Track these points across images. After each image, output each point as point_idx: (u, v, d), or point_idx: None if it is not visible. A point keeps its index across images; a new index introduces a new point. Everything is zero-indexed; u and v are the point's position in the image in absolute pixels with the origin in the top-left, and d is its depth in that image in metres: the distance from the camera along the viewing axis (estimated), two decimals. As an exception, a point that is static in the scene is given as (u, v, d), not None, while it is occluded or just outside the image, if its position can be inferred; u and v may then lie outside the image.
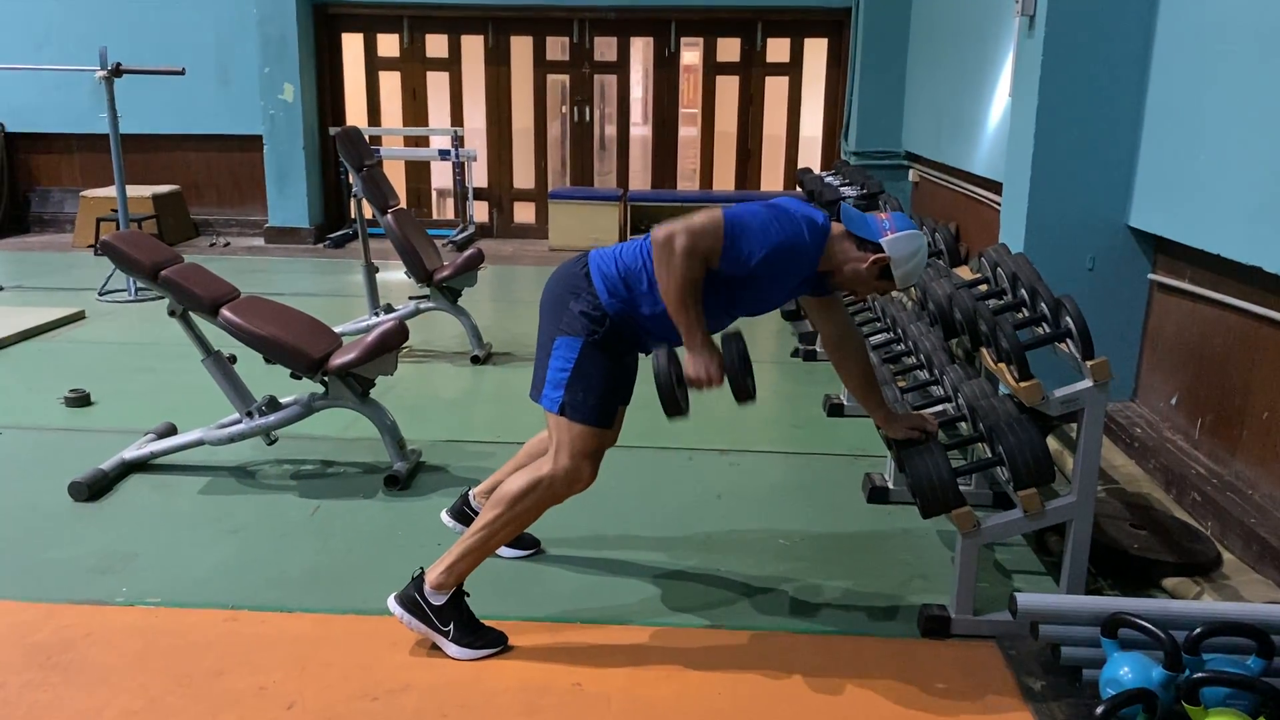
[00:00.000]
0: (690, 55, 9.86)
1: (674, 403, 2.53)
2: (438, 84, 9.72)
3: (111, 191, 8.02)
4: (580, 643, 2.75)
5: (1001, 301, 3.27)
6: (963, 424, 3.15)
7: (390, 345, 3.82)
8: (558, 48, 9.65)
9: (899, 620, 2.90)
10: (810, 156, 9.69)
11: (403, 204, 5.82)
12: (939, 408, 3.30)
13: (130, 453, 3.86)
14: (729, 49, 9.57)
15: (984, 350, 3.10)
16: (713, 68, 9.63)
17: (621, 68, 9.68)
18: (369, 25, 9.59)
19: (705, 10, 9.29)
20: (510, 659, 2.67)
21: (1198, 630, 2.35)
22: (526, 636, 2.75)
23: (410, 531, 3.42)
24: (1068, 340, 2.85)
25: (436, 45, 9.63)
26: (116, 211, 7.08)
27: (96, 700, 2.46)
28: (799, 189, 7.11)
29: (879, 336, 4.09)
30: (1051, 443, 3.62)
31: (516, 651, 2.70)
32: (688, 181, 10.00)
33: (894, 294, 4.06)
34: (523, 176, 9.92)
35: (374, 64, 9.72)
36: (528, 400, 2.76)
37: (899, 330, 3.92)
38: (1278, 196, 3.12)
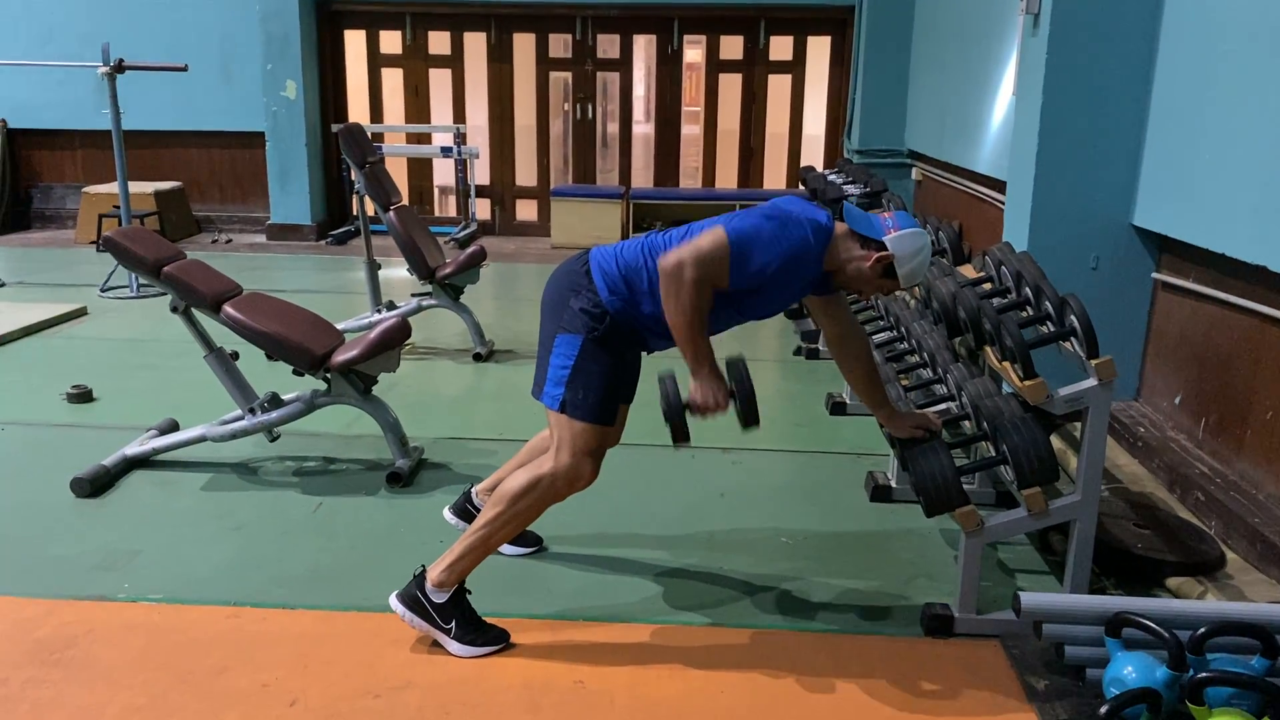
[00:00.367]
0: (693, 53, 9.85)
1: (682, 430, 2.59)
2: (440, 81, 9.71)
3: (113, 188, 8.02)
4: (583, 640, 2.75)
5: (1005, 300, 3.26)
6: (966, 423, 3.14)
7: (393, 342, 3.81)
8: (560, 45, 9.64)
9: (902, 619, 2.90)
10: (813, 154, 9.68)
11: (405, 201, 5.82)
12: (942, 406, 3.29)
13: (132, 449, 3.86)
14: (732, 47, 9.55)
15: (988, 349, 3.10)
16: (715, 65, 9.62)
17: (624, 65, 9.67)
18: (371, 22, 9.58)
19: (708, 8, 9.28)
20: (512, 656, 2.67)
21: (1202, 630, 2.35)
22: (529, 634, 2.75)
23: (412, 529, 3.41)
24: (1072, 339, 2.84)
25: (439, 42, 9.63)
26: (118, 208, 7.08)
27: (98, 697, 2.46)
28: (802, 187, 7.09)
29: (882, 335, 4.09)
30: (1055, 442, 3.62)
31: (519, 649, 2.70)
32: (690, 179, 9.99)
33: (897, 292, 4.06)
34: (525, 174, 9.92)
35: (376, 61, 9.71)
36: (530, 398, 2.76)
37: (902, 329, 3.91)
38: (1283, 195, 3.12)
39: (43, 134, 9.70)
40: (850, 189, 6.06)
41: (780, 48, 9.52)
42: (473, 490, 3.31)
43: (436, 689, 2.52)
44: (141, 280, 6.68)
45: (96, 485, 3.63)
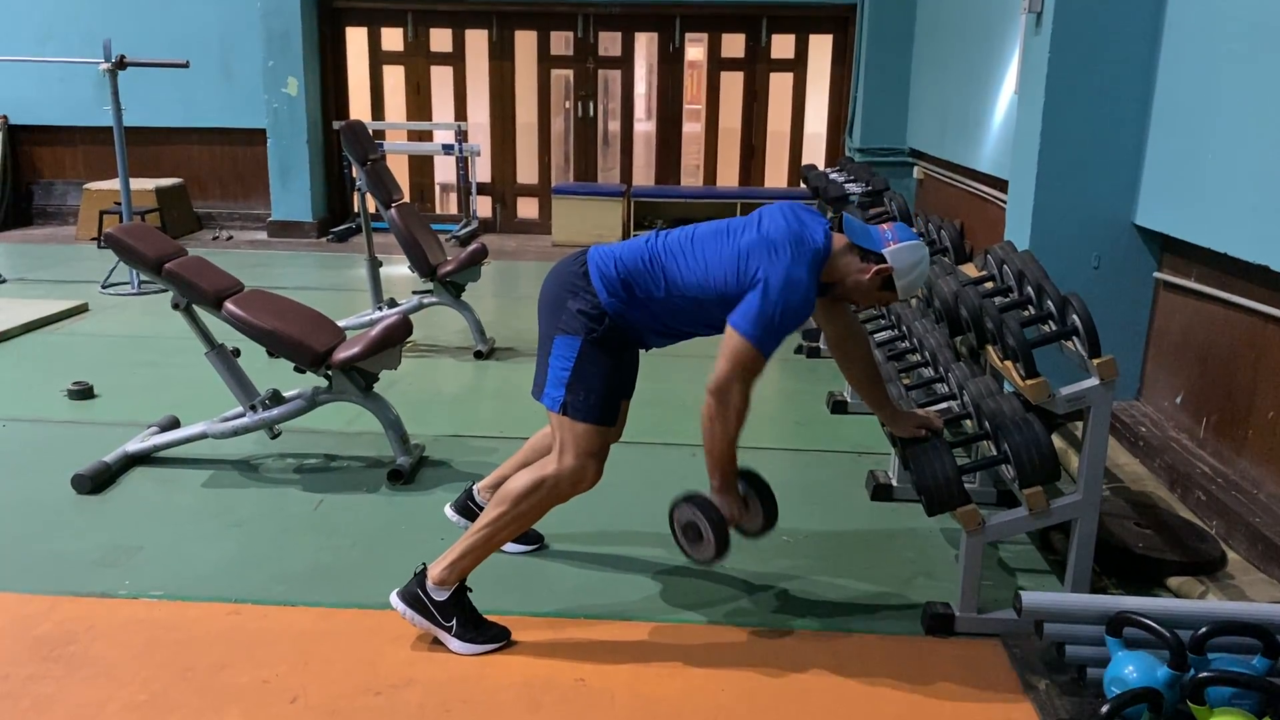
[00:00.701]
0: (695, 51, 9.84)
1: (726, 547, 2.68)
2: (442, 78, 9.71)
3: (115, 184, 8.02)
4: (583, 638, 2.75)
5: (1007, 299, 3.26)
6: (967, 422, 3.14)
7: (394, 340, 3.81)
8: (562, 42, 9.64)
9: (903, 618, 2.90)
10: (815, 153, 9.67)
11: (406, 198, 5.82)
12: (944, 405, 3.29)
13: (133, 446, 3.86)
14: (734, 45, 9.55)
15: (989, 348, 3.09)
16: (717, 63, 9.61)
17: (626, 63, 9.66)
18: (373, 19, 9.57)
19: (710, 6, 9.28)
20: (513, 654, 2.67)
21: (1203, 629, 2.35)
22: (530, 632, 2.75)
23: (413, 526, 3.41)
24: (1074, 338, 2.84)
25: (440, 40, 9.63)
26: (120, 204, 7.09)
27: (100, 693, 2.46)
28: (803, 185, 7.09)
29: (883, 334, 4.09)
30: (1056, 441, 3.62)
31: (519, 647, 2.70)
32: (691, 178, 9.99)
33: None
34: (526, 172, 9.91)
35: (378, 58, 9.71)
36: (531, 395, 2.76)
37: (904, 328, 3.91)
38: (1285, 195, 3.12)
39: (44, 130, 9.70)
40: (852, 188, 6.06)
41: (782, 46, 9.51)
42: (474, 488, 3.31)
43: (437, 686, 2.52)
44: (143, 277, 6.69)
45: (98, 482, 3.63)
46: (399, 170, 8.80)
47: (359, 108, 9.76)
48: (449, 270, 5.49)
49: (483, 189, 9.81)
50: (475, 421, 4.52)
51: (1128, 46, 3.98)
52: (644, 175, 9.98)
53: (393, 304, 5.77)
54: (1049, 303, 2.98)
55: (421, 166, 10.03)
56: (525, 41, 9.58)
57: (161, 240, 3.88)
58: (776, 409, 4.80)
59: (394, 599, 2.71)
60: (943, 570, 3.18)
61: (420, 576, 2.70)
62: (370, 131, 5.99)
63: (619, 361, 2.70)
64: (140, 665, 2.57)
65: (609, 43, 9.60)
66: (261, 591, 2.96)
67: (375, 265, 5.82)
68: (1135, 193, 4.09)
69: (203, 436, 3.86)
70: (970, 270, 3.73)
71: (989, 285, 3.45)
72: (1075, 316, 2.79)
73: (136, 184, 8.46)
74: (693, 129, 9.96)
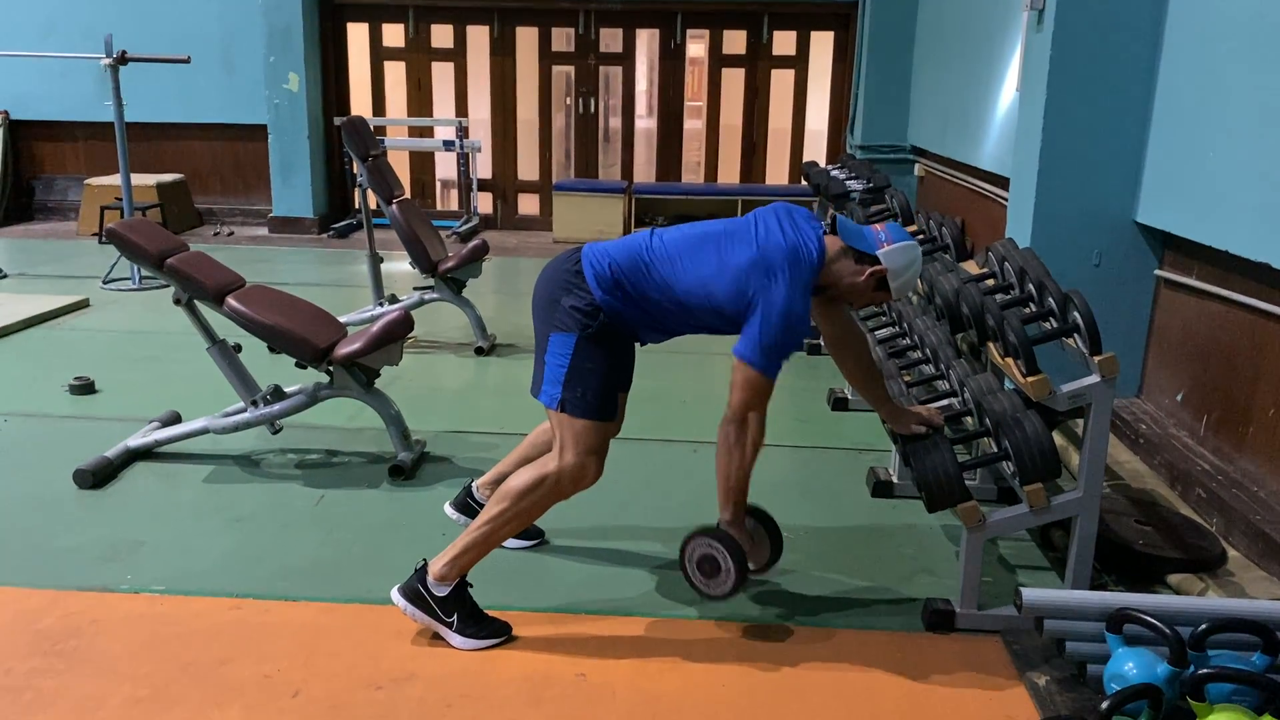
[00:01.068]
0: (696, 47, 9.84)
1: (745, 578, 2.73)
2: (443, 75, 9.71)
3: (116, 179, 8.02)
4: (584, 634, 2.76)
5: (1008, 296, 3.26)
6: (968, 419, 3.15)
7: (395, 335, 3.82)
8: (563, 39, 9.63)
9: (903, 614, 2.90)
10: (816, 150, 9.67)
11: (407, 194, 5.82)
12: (945, 402, 3.29)
13: (135, 441, 3.86)
14: (735, 41, 9.54)
15: (990, 345, 3.10)
16: (718, 60, 9.61)
17: (627, 59, 9.66)
18: (374, 15, 9.57)
19: (711, 2, 9.27)
20: (514, 649, 2.67)
21: (1203, 626, 2.35)
22: (531, 627, 2.76)
23: (414, 522, 3.42)
24: (1075, 336, 2.84)
25: (442, 36, 9.62)
26: (121, 200, 7.08)
27: (102, 687, 2.46)
28: (805, 182, 7.09)
29: (884, 331, 4.09)
30: (1056, 439, 3.62)
31: (521, 642, 2.70)
32: (692, 174, 9.99)
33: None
34: (527, 168, 9.91)
35: (379, 54, 9.70)
36: (532, 396, 2.76)
37: (905, 324, 3.91)
38: (1287, 193, 3.12)
39: (45, 126, 9.70)
40: (853, 185, 6.06)
41: (783, 43, 9.51)
42: (474, 485, 3.31)
43: (439, 681, 2.52)
44: (144, 272, 6.69)
45: (99, 477, 3.63)
46: (400, 166, 8.80)
47: (360, 104, 9.76)
48: (450, 266, 5.50)
49: (484, 185, 9.81)
50: (476, 417, 4.52)
51: (1129, 43, 3.98)
52: (645, 172, 9.98)
53: (394, 300, 5.77)
54: (1050, 300, 2.98)
55: (422, 162, 10.02)
56: (526, 37, 9.57)
57: (163, 235, 3.88)
58: (777, 406, 4.74)
59: (395, 594, 2.72)
60: (943, 567, 3.18)
61: (421, 572, 2.70)
62: (371, 127, 5.99)
63: (615, 356, 2.71)
64: (142, 660, 2.58)
65: (610, 39, 9.59)
66: (263, 586, 2.97)
67: (376, 261, 5.82)
68: (1136, 190, 4.09)
69: (204, 432, 3.86)
70: (971, 267, 3.73)
71: (990, 282, 3.45)
72: (1076, 314, 2.79)
73: (138, 179, 8.46)
74: (694, 126, 9.95)
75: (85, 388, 4.66)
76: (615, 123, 10.02)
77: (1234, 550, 3.12)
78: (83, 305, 6.31)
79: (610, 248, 2.70)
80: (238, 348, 3.88)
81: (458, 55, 9.65)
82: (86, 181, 9.18)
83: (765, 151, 9.76)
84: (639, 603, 2.93)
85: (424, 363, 5.35)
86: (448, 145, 9.27)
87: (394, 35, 9.65)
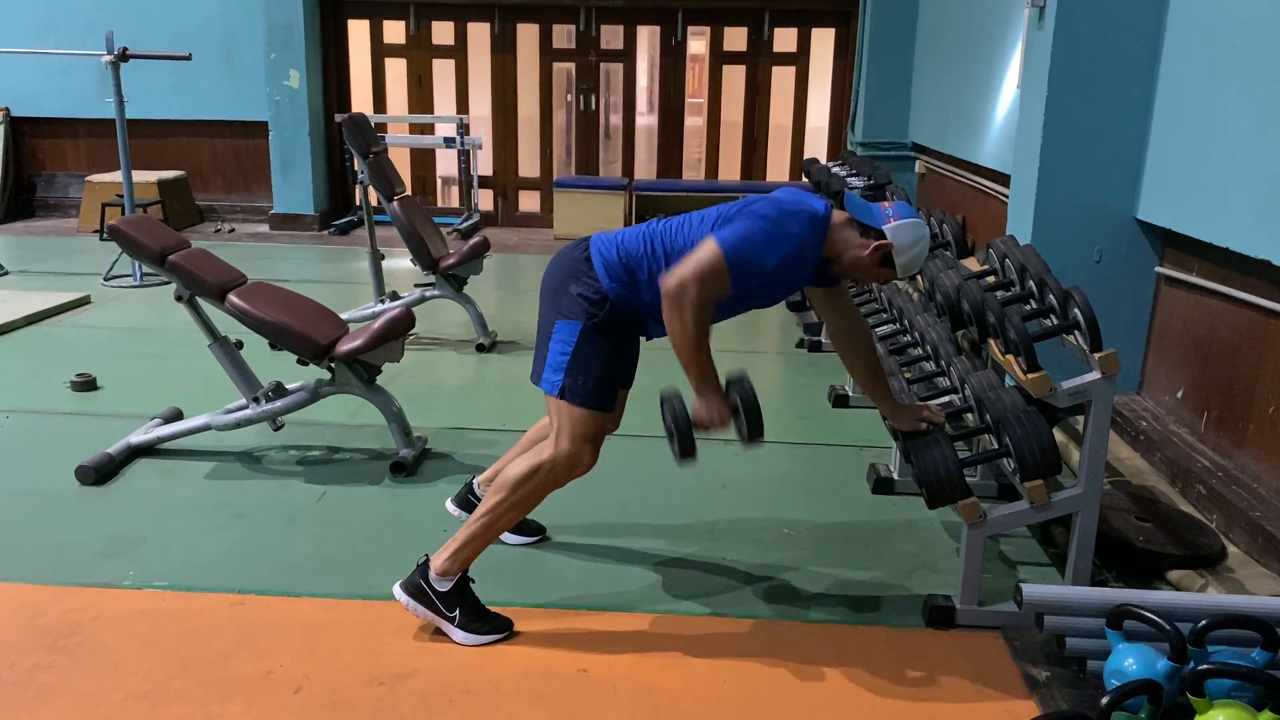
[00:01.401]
0: (697, 44, 9.83)
1: (688, 447, 2.59)
2: (443, 71, 9.71)
3: (117, 176, 8.02)
4: (585, 629, 2.76)
5: (1009, 293, 3.26)
6: (969, 415, 3.15)
7: (397, 332, 3.82)
8: (564, 35, 9.63)
9: (904, 610, 2.91)
10: (816, 147, 9.67)
11: (408, 191, 5.82)
12: (945, 399, 3.30)
13: (137, 437, 3.87)
14: (736, 38, 9.54)
15: (991, 342, 3.10)
16: (719, 57, 9.61)
17: (628, 56, 9.66)
18: (375, 12, 9.57)
19: (712, -1, 9.27)
20: (516, 645, 2.68)
21: (1203, 622, 2.35)
22: (532, 623, 2.76)
23: (416, 518, 3.42)
24: (1075, 332, 2.84)
25: (442, 32, 9.62)
26: (122, 197, 7.09)
27: (104, 683, 2.47)
28: (805, 179, 7.09)
29: (885, 328, 4.09)
30: (1057, 435, 3.62)
31: (522, 637, 2.71)
32: (693, 171, 9.99)
33: (900, 285, 4.07)
34: (528, 165, 9.92)
35: (380, 51, 9.71)
36: (532, 388, 2.76)
37: (905, 321, 3.92)
38: (1287, 190, 3.12)
39: (46, 122, 9.70)
40: (854, 181, 6.06)
41: (784, 39, 9.51)
42: (474, 481, 3.32)
43: (440, 676, 2.53)
44: (145, 269, 6.69)
45: (101, 473, 3.64)
46: (401, 163, 8.80)
47: (361, 100, 9.76)
48: (451, 263, 5.50)
49: (484, 182, 9.81)
50: (477, 414, 4.53)
51: (1131, 40, 3.98)
52: (646, 169, 9.98)
53: (395, 297, 5.77)
54: (1051, 297, 2.98)
55: (423, 159, 10.03)
56: (527, 34, 9.57)
57: (165, 232, 3.89)
58: (778, 402, 4.81)
59: (397, 590, 2.72)
60: (944, 563, 3.19)
61: (423, 567, 2.71)
62: (372, 124, 5.99)
63: (619, 348, 2.70)
64: (144, 655, 2.59)
65: (611, 36, 9.59)
66: (265, 582, 2.97)
67: (377, 258, 5.82)
68: (1137, 187, 4.09)
69: (206, 428, 3.86)
70: (972, 264, 3.74)
71: (991, 279, 3.45)
72: (1077, 310, 2.80)
73: (139, 176, 8.46)
74: (694, 122, 9.95)
75: (87, 384, 4.66)
76: (616, 119, 10.02)
77: (1234, 546, 3.13)
78: (84, 302, 6.31)
79: (617, 235, 2.71)
80: (239, 344, 3.89)
81: (458, 52, 9.65)
82: (88, 178, 9.18)
83: (766, 148, 9.76)
84: (640, 598, 2.94)
85: (425, 360, 5.36)
86: (448, 142, 9.27)
87: (395, 32, 9.66)
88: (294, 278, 6.91)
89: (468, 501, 3.29)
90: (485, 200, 9.85)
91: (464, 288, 5.63)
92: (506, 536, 3.05)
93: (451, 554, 2.68)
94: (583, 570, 3.10)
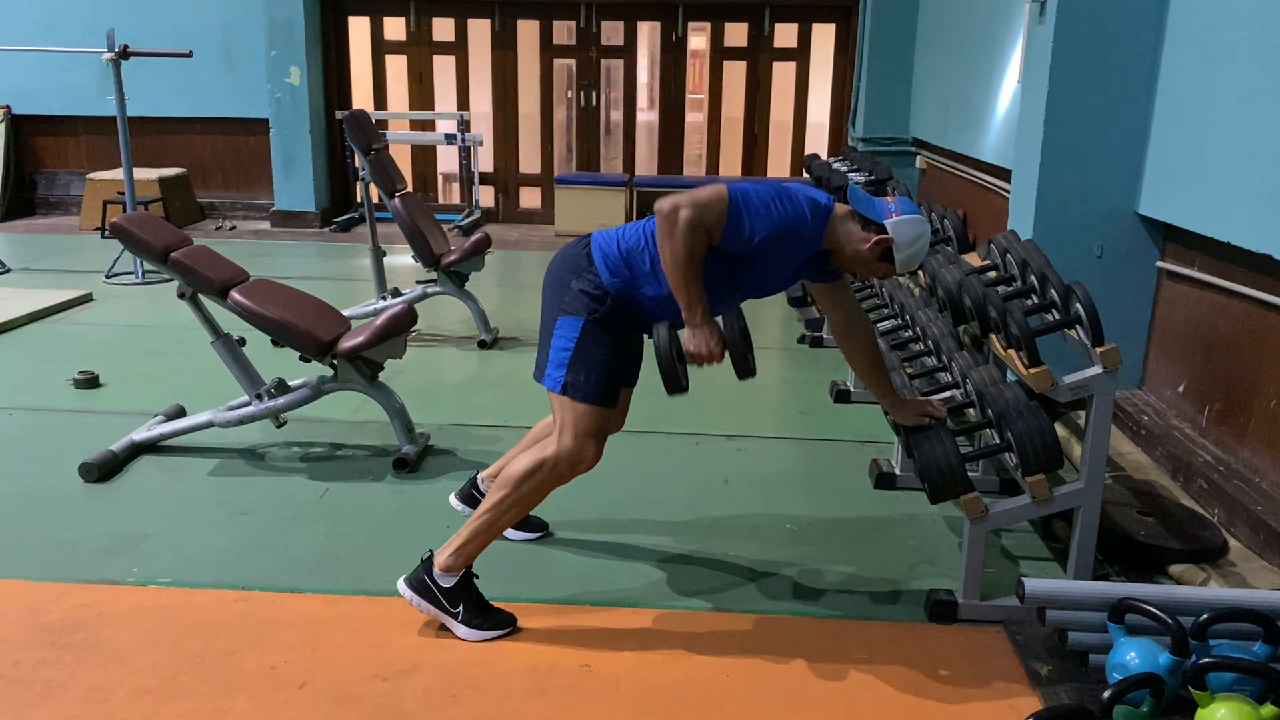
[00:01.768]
0: (697, 40, 9.83)
1: (674, 378, 2.54)
2: (444, 68, 9.70)
3: (118, 174, 8.03)
4: (589, 625, 2.77)
5: (1011, 288, 3.26)
6: (971, 410, 3.16)
7: (399, 329, 3.82)
8: (564, 32, 9.63)
9: (906, 605, 2.91)
10: (817, 142, 9.67)
11: (409, 188, 5.83)
12: (947, 394, 3.30)
13: (140, 434, 3.87)
14: (736, 34, 9.54)
15: (993, 336, 3.10)
16: (720, 53, 9.60)
17: (628, 52, 9.65)
18: (375, 8, 9.56)
19: (713, -5, 9.26)
20: (519, 640, 2.69)
21: (1204, 616, 2.36)
22: (535, 618, 2.77)
23: (419, 514, 3.43)
24: (1077, 327, 2.85)
25: (443, 29, 9.62)
26: (123, 194, 7.09)
27: (109, 679, 2.48)
28: (806, 175, 7.09)
29: (887, 323, 4.09)
30: (1058, 430, 3.63)
31: (525, 633, 2.71)
32: (694, 167, 9.99)
33: (901, 280, 4.07)
34: (529, 161, 9.91)
35: (380, 48, 9.70)
36: (534, 384, 2.77)
37: (907, 317, 3.92)
38: (1289, 184, 3.12)
39: (47, 120, 9.70)
40: (855, 177, 6.06)
41: (785, 35, 9.50)
42: (478, 477, 3.32)
43: (444, 672, 2.54)
44: (147, 266, 6.70)
45: (105, 470, 3.65)
46: (402, 160, 8.79)
47: (361, 97, 9.76)
48: (453, 260, 5.50)
49: (485, 179, 9.81)
50: (479, 410, 4.53)
51: (1131, 35, 3.98)
52: (646, 165, 9.98)
53: (397, 293, 5.78)
54: (1052, 291, 2.99)
55: (424, 156, 10.03)
56: (527, 31, 9.57)
57: (167, 230, 3.89)
58: (780, 398, 4.81)
59: (401, 586, 2.73)
60: (946, 558, 3.19)
61: (427, 563, 2.72)
62: (373, 121, 5.99)
63: (621, 344, 2.71)
64: (149, 651, 2.59)
65: (611, 32, 9.59)
66: (269, 578, 2.98)
67: (379, 255, 5.83)
68: (1138, 182, 4.09)
69: (209, 425, 3.87)
70: (973, 259, 3.74)
71: (992, 274, 3.46)
72: (1078, 305, 2.80)
73: (140, 174, 8.45)
74: (695, 118, 9.95)
75: (90, 382, 4.67)
76: (616, 116, 10.02)
77: (1236, 541, 3.13)
78: (86, 300, 6.32)
79: (617, 231, 2.71)
80: (242, 341, 3.90)
81: (459, 48, 9.65)
82: (89, 176, 9.19)
83: (767, 144, 9.76)
84: (643, 594, 2.95)
85: (427, 356, 5.36)
86: (449, 139, 9.27)
87: (395, 29, 9.65)
88: (295, 275, 6.91)
89: (472, 497, 3.30)
90: (486, 197, 9.85)
91: (465, 284, 5.63)
92: (510, 532, 3.05)
93: (455, 550, 2.69)
94: (586, 566, 3.11)
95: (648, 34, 9.82)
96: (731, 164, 9.82)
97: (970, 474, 2.80)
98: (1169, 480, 3.60)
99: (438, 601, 2.69)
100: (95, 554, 3.11)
